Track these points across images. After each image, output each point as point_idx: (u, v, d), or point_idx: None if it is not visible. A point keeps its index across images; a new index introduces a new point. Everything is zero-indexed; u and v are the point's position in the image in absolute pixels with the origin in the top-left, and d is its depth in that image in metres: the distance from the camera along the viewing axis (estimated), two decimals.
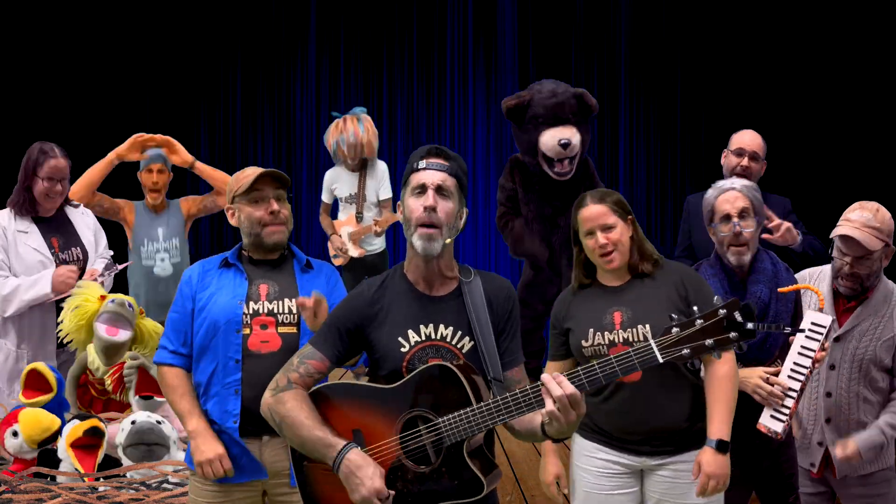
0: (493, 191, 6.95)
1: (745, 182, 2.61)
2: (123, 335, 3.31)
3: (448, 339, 1.85)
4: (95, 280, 3.48)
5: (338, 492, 1.82)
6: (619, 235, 2.28)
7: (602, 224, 2.27)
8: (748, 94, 6.75)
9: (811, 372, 2.39)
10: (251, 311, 2.26)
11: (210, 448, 2.23)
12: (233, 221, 2.35)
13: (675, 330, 1.65)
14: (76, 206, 3.76)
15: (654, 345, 1.65)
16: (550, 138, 4.55)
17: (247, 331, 2.25)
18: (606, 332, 2.27)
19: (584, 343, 2.29)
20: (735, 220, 2.51)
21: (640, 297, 2.29)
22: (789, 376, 2.39)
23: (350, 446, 1.77)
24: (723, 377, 2.22)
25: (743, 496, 2.61)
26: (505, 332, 1.89)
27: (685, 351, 1.63)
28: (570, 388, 1.62)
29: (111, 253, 3.89)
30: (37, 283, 3.44)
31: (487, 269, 6.94)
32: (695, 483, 2.21)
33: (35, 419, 2.95)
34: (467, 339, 1.85)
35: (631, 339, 2.24)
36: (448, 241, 1.85)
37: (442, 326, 1.85)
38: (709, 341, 1.62)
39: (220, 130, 7.32)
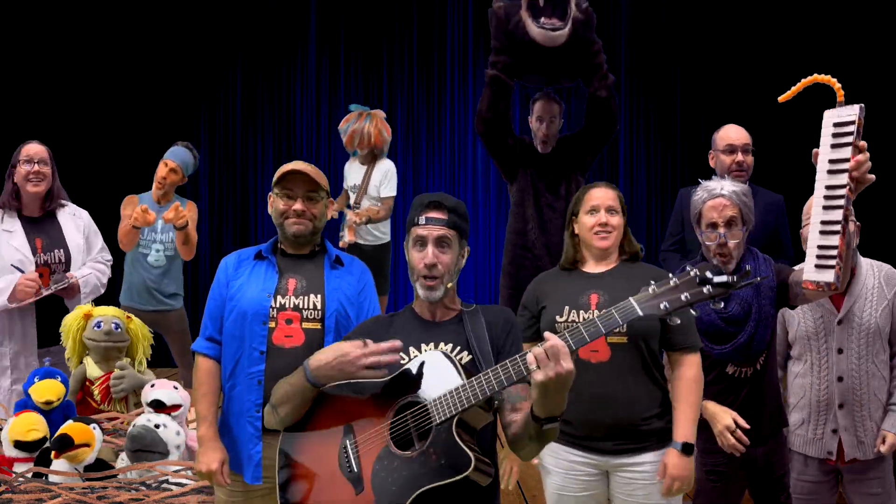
0: (494, 197, 6.99)
1: (734, 187, 2.52)
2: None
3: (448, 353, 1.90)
4: (41, 295, 3.46)
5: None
6: (618, 223, 2.43)
7: (609, 206, 2.42)
8: (748, 93, 6.75)
9: (852, 191, 1.93)
10: (278, 305, 2.30)
11: (209, 460, 2.29)
12: (269, 210, 2.41)
13: (651, 288, 1.72)
14: (64, 206, 3.73)
15: (632, 300, 1.72)
16: None
17: (272, 324, 2.29)
18: (581, 311, 2.34)
19: (558, 318, 2.36)
20: (721, 230, 2.48)
21: (618, 284, 2.36)
22: (825, 207, 1.92)
23: (307, 360, 1.91)
24: (688, 381, 2.30)
25: (736, 494, 2.64)
26: (506, 350, 1.96)
27: (663, 304, 1.69)
28: (559, 341, 1.66)
29: (109, 259, 3.87)
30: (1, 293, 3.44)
31: (487, 272, 6.95)
32: (656, 484, 2.28)
33: (21, 420, 2.92)
34: (466, 352, 1.93)
35: None
36: (450, 284, 1.98)
37: (442, 343, 1.94)
38: (685, 295, 1.69)
39: (220, 130, 7.32)
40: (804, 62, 6.58)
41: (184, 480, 2.81)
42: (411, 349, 1.94)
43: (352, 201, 5.19)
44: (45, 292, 3.47)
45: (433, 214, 1.97)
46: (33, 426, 2.90)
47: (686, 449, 2.25)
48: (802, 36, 6.59)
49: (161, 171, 4.41)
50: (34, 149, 3.62)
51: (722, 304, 1.69)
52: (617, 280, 2.38)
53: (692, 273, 1.70)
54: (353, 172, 5.20)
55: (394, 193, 5.12)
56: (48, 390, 3.02)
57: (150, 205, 4.39)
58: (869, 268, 2.68)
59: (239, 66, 7.29)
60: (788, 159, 6.03)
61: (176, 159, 4.42)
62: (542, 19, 3.73)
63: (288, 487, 1.91)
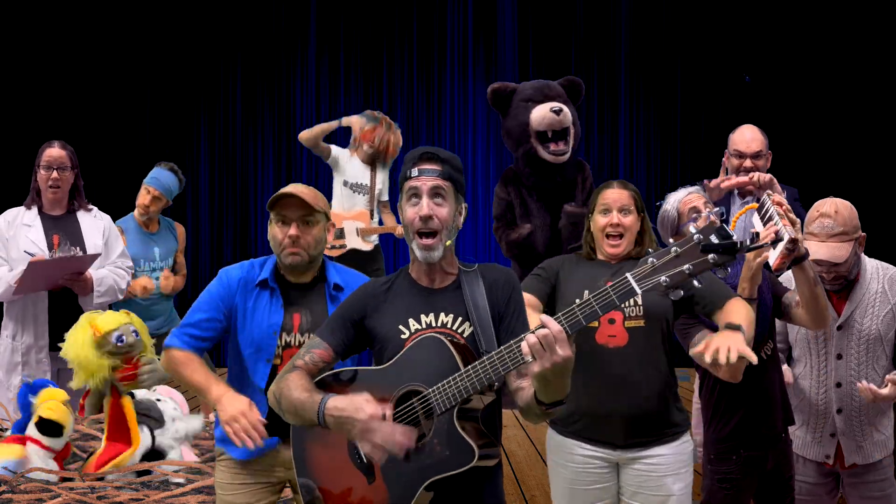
0: (493, 191, 6.97)
1: (697, 186, 2.68)
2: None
3: (449, 326, 1.85)
4: (46, 259, 3.44)
5: (338, 483, 1.84)
6: (631, 223, 2.41)
7: (620, 206, 2.41)
8: (748, 92, 6.76)
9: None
10: (283, 343, 2.25)
11: (236, 403, 2.10)
12: (269, 237, 2.31)
13: (651, 260, 1.59)
14: (90, 210, 3.76)
15: (630, 277, 1.60)
16: (541, 110, 4.62)
17: (277, 361, 2.24)
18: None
19: (577, 301, 2.30)
20: (705, 210, 2.55)
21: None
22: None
23: (328, 396, 1.76)
24: (740, 306, 2.24)
25: (746, 500, 2.62)
26: (508, 314, 1.88)
27: (663, 279, 1.56)
28: (555, 327, 1.57)
29: (130, 265, 3.86)
30: (8, 279, 3.47)
31: None
32: (668, 476, 2.29)
33: (60, 406, 2.92)
34: (467, 324, 1.84)
35: (623, 306, 2.29)
36: (448, 242, 1.85)
37: (442, 315, 1.86)
38: (687, 267, 1.55)
39: (220, 130, 7.32)
40: (804, 59, 6.59)
41: (184, 480, 2.81)
42: (410, 321, 1.85)
43: (346, 201, 5.13)
44: (53, 256, 3.45)
45: (426, 166, 1.83)
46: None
47: (737, 330, 2.16)
48: (802, 32, 6.59)
49: (144, 198, 4.18)
50: (54, 154, 3.62)
51: (729, 271, 1.56)
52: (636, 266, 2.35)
53: (695, 238, 1.56)
54: (357, 170, 5.07)
55: (387, 197, 5.13)
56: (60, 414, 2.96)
57: (139, 232, 4.21)
58: (874, 271, 2.64)
59: (239, 66, 7.29)
60: (801, 153, 6.03)
61: (160, 187, 4.18)
62: (551, 146, 4.63)
63: (305, 472, 1.92)
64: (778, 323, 2.66)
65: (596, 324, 2.29)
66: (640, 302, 2.29)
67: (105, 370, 3.17)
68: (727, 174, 3.49)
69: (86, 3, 6.82)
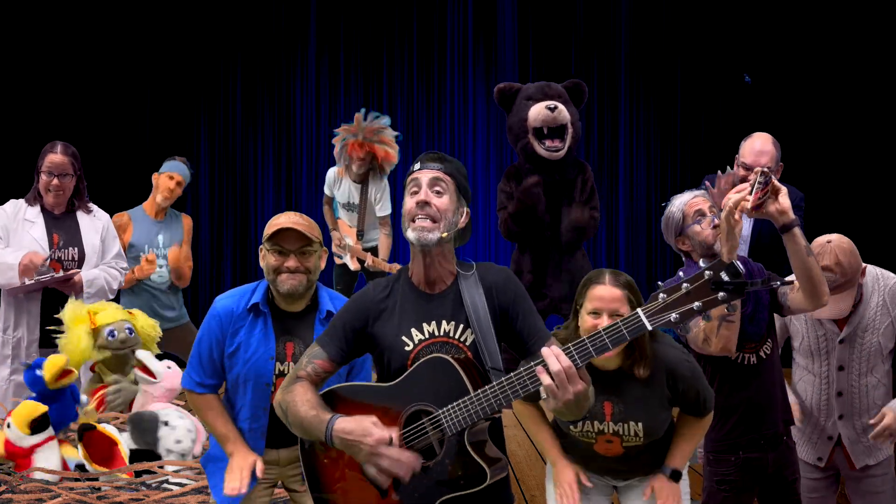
0: (494, 192, 6.97)
1: (702, 191, 2.64)
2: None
3: (451, 334, 1.85)
4: (24, 283, 3.47)
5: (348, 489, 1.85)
6: None
7: (613, 309, 2.14)
8: (748, 93, 6.75)
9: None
10: (277, 372, 2.28)
11: (244, 461, 2.26)
12: (261, 263, 2.32)
13: (661, 296, 1.61)
14: (89, 210, 3.80)
15: (641, 313, 1.62)
16: (538, 106, 4.71)
17: (272, 389, 2.28)
18: (596, 422, 2.24)
19: (572, 428, 2.28)
20: (710, 214, 2.49)
21: (632, 392, 2.23)
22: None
23: (335, 417, 1.77)
24: (700, 426, 2.29)
25: (746, 502, 2.63)
26: (518, 314, 1.87)
27: (673, 316, 1.59)
28: (565, 362, 1.61)
29: (125, 266, 3.92)
30: (10, 255, 3.49)
31: None
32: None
33: (20, 407, 2.97)
34: (469, 331, 1.85)
35: (622, 432, 2.23)
36: (445, 234, 1.84)
37: (444, 322, 1.86)
38: (697, 304, 1.58)
39: (220, 130, 7.32)
40: (806, 61, 6.58)
41: (184, 480, 2.81)
42: (413, 331, 1.86)
43: (343, 216, 5.14)
44: (28, 282, 3.47)
45: (429, 162, 1.89)
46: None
47: (674, 475, 2.28)
48: (802, 33, 6.59)
49: (167, 183, 4.27)
50: (56, 161, 3.63)
51: (737, 308, 1.62)
52: (631, 387, 2.22)
53: (706, 276, 1.58)
54: (345, 189, 5.06)
55: (389, 211, 5.06)
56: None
57: (145, 220, 4.30)
58: (874, 282, 2.64)
59: (239, 66, 7.29)
60: (802, 154, 6.02)
61: (181, 172, 4.32)
62: (546, 141, 4.68)
63: (318, 487, 1.93)
64: (777, 331, 2.66)
65: (593, 440, 2.27)
66: (640, 434, 2.23)
67: (88, 356, 3.33)
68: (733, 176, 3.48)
69: (86, 3, 6.82)
